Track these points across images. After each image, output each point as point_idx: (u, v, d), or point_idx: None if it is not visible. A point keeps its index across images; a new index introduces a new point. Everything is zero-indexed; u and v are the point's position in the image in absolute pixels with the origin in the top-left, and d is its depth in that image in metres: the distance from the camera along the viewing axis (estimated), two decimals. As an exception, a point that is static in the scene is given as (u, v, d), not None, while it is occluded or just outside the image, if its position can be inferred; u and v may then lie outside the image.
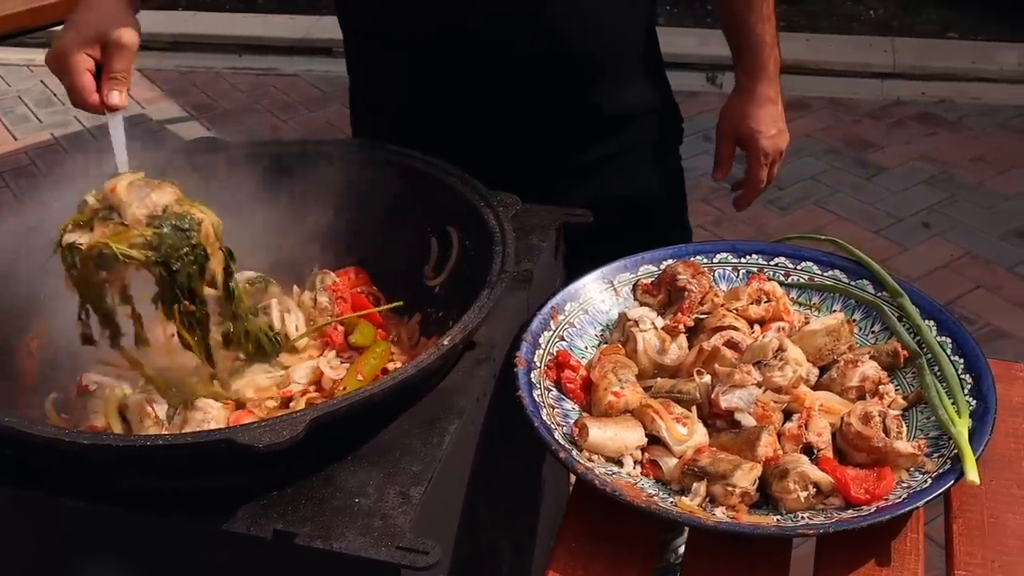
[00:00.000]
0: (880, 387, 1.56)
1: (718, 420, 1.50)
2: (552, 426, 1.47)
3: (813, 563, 1.39)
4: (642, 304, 1.72)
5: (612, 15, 1.97)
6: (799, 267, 1.78)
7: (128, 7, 1.67)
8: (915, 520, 1.42)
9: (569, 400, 1.56)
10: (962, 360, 1.57)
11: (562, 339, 1.65)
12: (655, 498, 1.39)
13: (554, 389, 1.56)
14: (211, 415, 1.50)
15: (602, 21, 1.95)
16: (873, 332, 1.69)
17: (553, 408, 1.52)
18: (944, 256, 4.30)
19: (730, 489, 1.38)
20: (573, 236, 1.88)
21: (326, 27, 6.05)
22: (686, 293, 1.66)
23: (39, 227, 1.54)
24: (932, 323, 1.64)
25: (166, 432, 1.48)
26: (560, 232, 1.83)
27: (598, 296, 1.73)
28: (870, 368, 1.56)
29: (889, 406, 1.52)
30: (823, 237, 1.88)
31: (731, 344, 1.57)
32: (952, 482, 1.38)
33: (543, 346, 1.61)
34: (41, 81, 6.03)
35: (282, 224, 1.74)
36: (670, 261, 1.76)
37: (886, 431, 1.44)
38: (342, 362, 1.62)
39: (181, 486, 1.34)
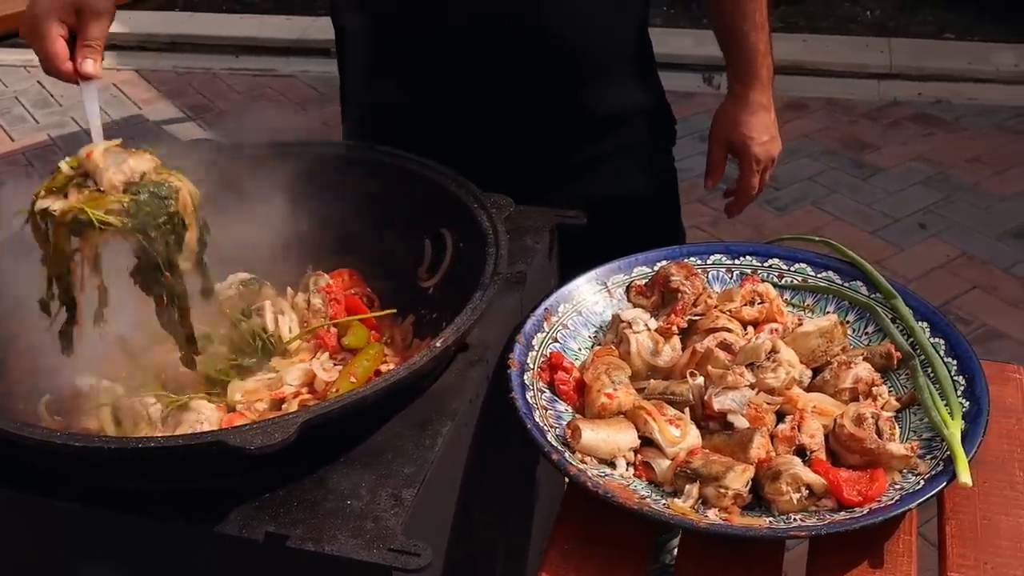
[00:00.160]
0: (873, 389, 1.56)
1: (711, 422, 1.50)
2: (545, 428, 1.47)
3: (806, 565, 1.39)
4: (635, 305, 1.72)
5: (603, 17, 1.97)
6: (793, 268, 1.78)
7: None
8: (908, 522, 1.42)
9: (562, 402, 1.56)
10: (955, 362, 1.57)
11: (555, 341, 1.65)
12: (648, 500, 1.39)
13: (547, 391, 1.56)
14: (204, 416, 1.50)
15: (593, 23, 1.95)
16: (867, 333, 1.69)
17: (546, 410, 1.52)
18: (940, 257, 4.30)
19: (723, 491, 1.38)
20: (567, 237, 1.88)
21: (323, 28, 6.03)
22: (679, 295, 1.66)
23: (28, 231, 1.53)
24: (926, 324, 1.64)
25: (159, 434, 1.48)
26: (554, 234, 1.83)
27: (592, 297, 1.73)
28: (863, 370, 1.56)
29: (882, 408, 1.52)
30: (817, 238, 1.88)
31: (724, 346, 1.57)
32: (945, 484, 1.38)
33: (536, 348, 1.61)
34: (38, 82, 6.03)
35: (276, 225, 1.74)
36: (664, 262, 1.75)
37: (879, 433, 1.44)
38: (335, 364, 1.62)
39: (173, 488, 1.33)
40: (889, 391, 1.57)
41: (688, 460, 1.43)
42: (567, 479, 1.41)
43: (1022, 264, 4.24)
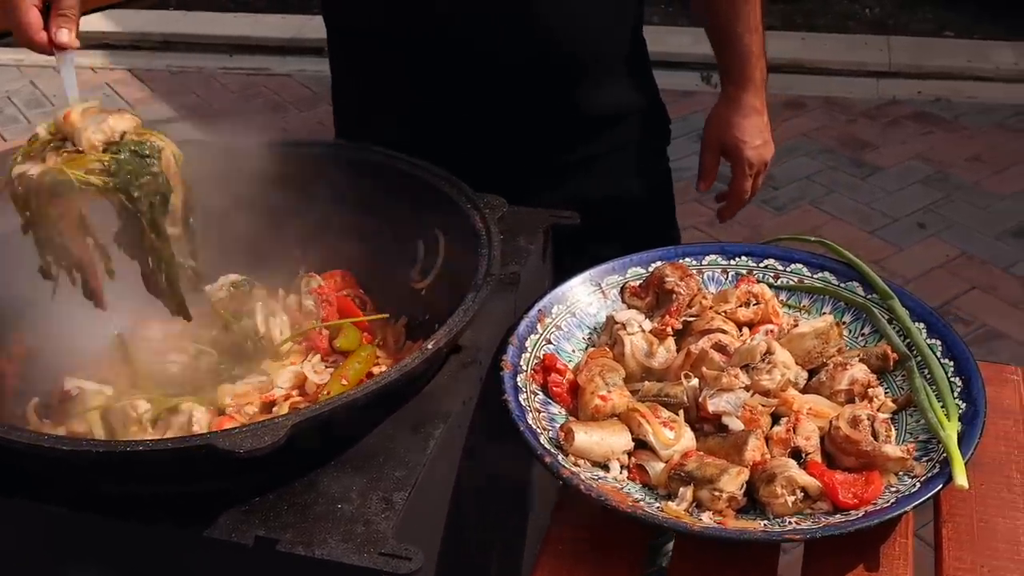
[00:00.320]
0: (869, 390, 1.54)
1: (706, 424, 1.49)
2: (538, 430, 1.45)
3: (801, 568, 1.38)
4: (630, 307, 1.71)
5: (597, 16, 1.96)
6: (789, 269, 1.77)
7: None
8: (904, 525, 1.41)
9: (556, 404, 1.55)
10: (952, 363, 1.56)
11: (549, 342, 1.64)
12: (641, 503, 1.38)
13: (540, 393, 1.55)
14: (195, 419, 1.49)
15: (587, 22, 1.94)
16: (863, 335, 1.68)
17: (539, 412, 1.51)
18: (940, 256, 4.29)
19: (717, 494, 1.37)
20: (561, 238, 1.87)
21: (317, 27, 5.98)
22: (674, 296, 1.65)
23: (18, 234, 1.52)
24: (922, 325, 1.63)
25: (149, 436, 1.47)
26: (548, 234, 1.82)
27: (586, 299, 1.72)
28: (859, 371, 1.55)
29: (878, 409, 1.50)
30: (813, 239, 1.87)
31: (719, 347, 1.56)
32: (941, 486, 1.37)
33: (530, 349, 1.60)
34: (31, 82, 6.02)
35: (268, 226, 1.73)
36: (658, 263, 1.74)
37: (875, 435, 1.43)
38: (327, 366, 1.61)
39: (162, 491, 1.33)
40: (885, 393, 1.56)
41: (682, 463, 1.41)
42: (560, 482, 1.40)
43: (1022, 264, 4.23)
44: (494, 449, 1.58)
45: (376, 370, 1.60)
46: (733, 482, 1.37)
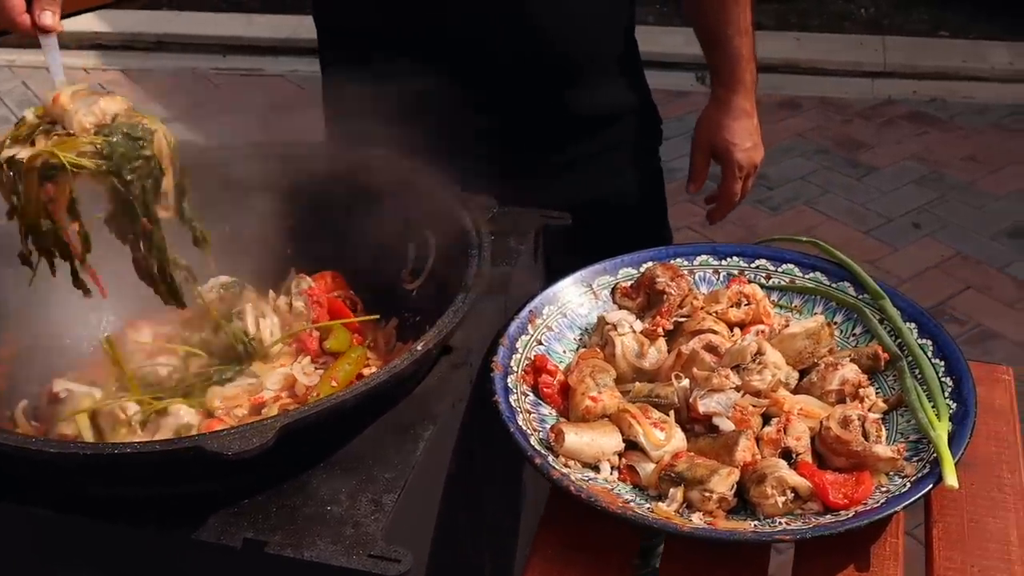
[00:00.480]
0: (860, 390, 1.54)
1: (696, 425, 1.48)
2: (528, 431, 1.45)
3: (791, 569, 1.38)
4: (621, 307, 1.71)
5: (590, 16, 1.96)
6: (780, 269, 1.77)
7: None
8: (895, 525, 1.41)
9: (546, 405, 1.55)
10: (943, 363, 1.56)
11: (540, 343, 1.63)
12: (631, 504, 1.38)
13: (531, 394, 1.55)
14: (184, 421, 1.49)
15: (580, 22, 1.94)
16: (854, 335, 1.68)
17: (530, 413, 1.50)
18: (935, 256, 4.29)
19: (707, 494, 1.36)
20: (553, 238, 1.86)
21: (311, 27, 5.97)
22: (665, 296, 1.65)
23: (7, 234, 1.51)
24: (913, 325, 1.63)
25: (139, 439, 1.47)
26: (539, 235, 1.82)
27: (577, 299, 1.72)
28: (850, 371, 1.55)
29: (869, 409, 1.50)
30: (804, 239, 1.87)
31: (710, 348, 1.56)
32: (931, 486, 1.36)
33: (520, 350, 1.60)
34: (23, 82, 6.00)
35: (258, 228, 1.72)
36: (650, 263, 1.74)
37: (865, 435, 1.42)
38: (316, 368, 1.61)
39: (151, 494, 1.32)
40: (877, 393, 1.56)
41: (673, 463, 1.41)
42: (551, 483, 1.40)
43: (1017, 264, 4.23)
44: (485, 450, 1.57)
45: (366, 371, 1.60)
46: (723, 483, 1.37)
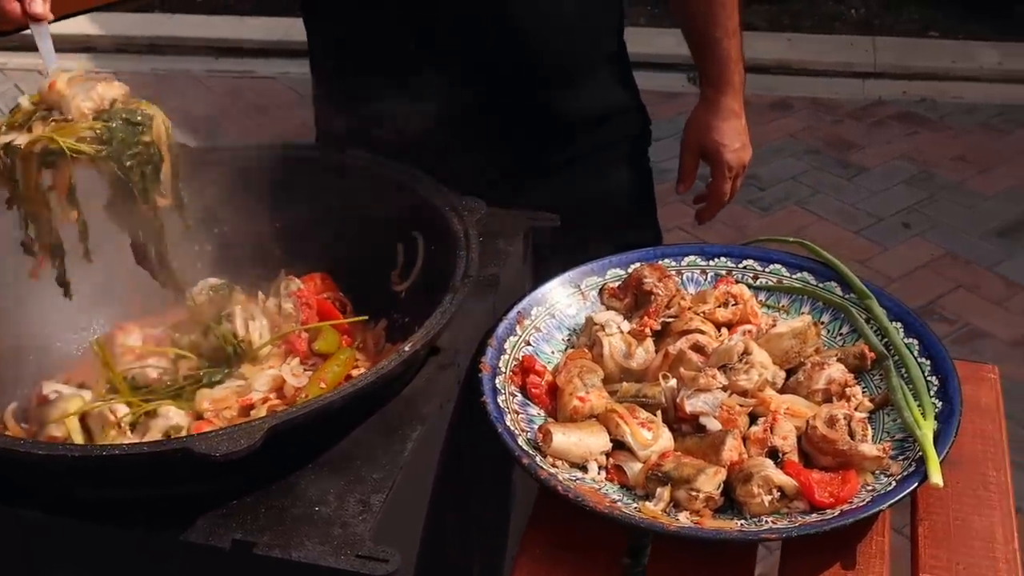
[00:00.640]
0: (847, 390, 1.55)
1: (684, 424, 1.49)
2: (516, 432, 1.46)
3: (778, 567, 1.39)
4: (609, 308, 1.71)
5: (579, 18, 1.96)
6: (767, 269, 1.78)
7: None
8: (880, 523, 1.42)
9: (534, 405, 1.55)
10: (929, 362, 1.57)
11: (528, 344, 1.64)
12: (619, 504, 1.38)
13: (519, 394, 1.56)
14: (173, 423, 1.49)
15: (568, 24, 1.94)
16: (841, 334, 1.69)
17: (518, 414, 1.51)
18: (924, 256, 4.31)
19: (694, 494, 1.37)
20: (541, 239, 1.87)
21: (302, 30, 5.99)
22: (652, 297, 1.65)
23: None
24: (899, 325, 1.64)
25: (128, 440, 1.47)
26: (528, 236, 1.82)
27: (565, 300, 1.73)
28: (836, 371, 1.56)
29: (856, 409, 1.51)
30: (791, 239, 1.88)
31: (697, 348, 1.57)
32: (916, 485, 1.37)
33: (508, 351, 1.60)
34: (15, 85, 5.98)
35: (247, 230, 1.73)
36: (637, 264, 1.75)
37: (851, 434, 1.43)
38: (305, 370, 1.61)
39: (140, 496, 1.32)
40: (863, 392, 1.57)
41: (660, 463, 1.42)
42: (538, 483, 1.40)
43: (1006, 263, 4.25)
44: (474, 451, 1.58)
45: (355, 373, 1.60)
46: (710, 482, 1.38)
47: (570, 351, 1.65)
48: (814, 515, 1.36)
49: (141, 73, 6.15)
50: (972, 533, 1.42)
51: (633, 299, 1.69)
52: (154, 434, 1.47)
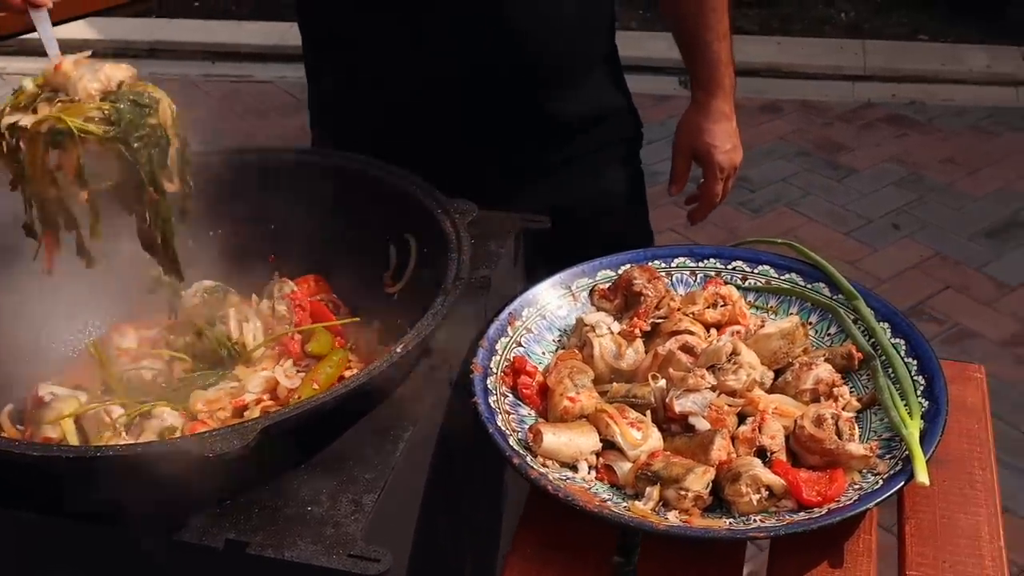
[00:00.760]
0: (834, 389, 1.56)
1: (673, 424, 1.50)
2: (507, 432, 1.47)
3: (766, 566, 1.40)
4: (599, 309, 1.73)
5: (570, 20, 1.98)
6: (756, 271, 1.79)
7: None
8: (868, 521, 1.43)
9: (525, 406, 1.56)
10: (915, 362, 1.58)
11: (519, 345, 1.65)
12: (608, 503, 1.40)
13: (510, 395, 1.57)
14: (168, 424, 1.50)
15: (560, 26, 1.96)
16: (829, 334, 1.70)
17: (509, 414, 1.52)
18: (914, 257, 4.33)
19: (683, 493, 1.38)
20: (533, 241, 1.88)
21: (299, 34, 6.00)
22: (642, 298, 1.67)
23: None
24: (886, 325, 1.65)
25: (123, 442, 1.48)
26: (519, 239, 1.84)
27: (556, 302, 1.74)
28: (824, 371, 1.57)
29: (843, 408, 1.52)
30: (780, 241, 1.89)
31: (686, 348, 1.58)
32: (903, 483, 1.39)
33: (500, 352, 1.61)
34: (13, 90, 5.99)
35: (241, 232, 1.74)
36: (627, 266, 1.76)
37: (839, 433, 1.45)
38: (299, 371, 1.62)
39: (133, 496, 1.33)
40: (851, 392, 1.58)
41: (649, 463, 1.43)
42: (529, 483, 1.42)
43: (995, 264, 4.28)
44: (466, 451, 1.59)
45: (348, 374, 1.61)
46: (699, 481, 1.39)
47: (561, 352, 1.66)
48: (802, 514, 1.37)
49: (139, 77, 6.15)
50: (958, 531, 1.44)
51: (623, 300, 1.70)
52: (149, 435, 1.48)
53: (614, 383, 1.59)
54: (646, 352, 1.63)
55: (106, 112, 1.36)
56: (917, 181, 4.88)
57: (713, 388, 1.51)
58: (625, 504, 1.40)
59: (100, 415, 1.51)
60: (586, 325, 1.65)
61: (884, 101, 5.62)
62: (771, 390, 1.58)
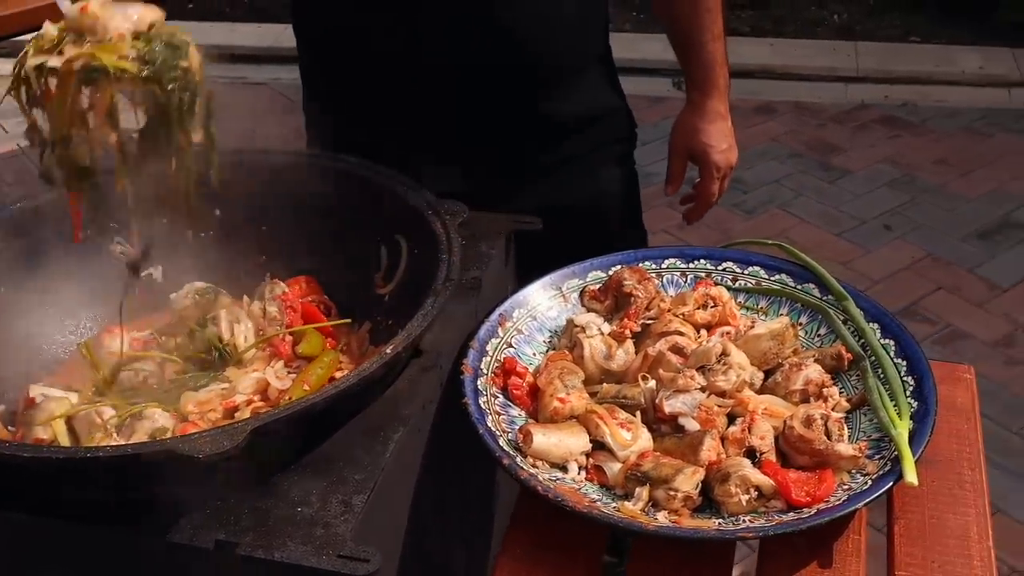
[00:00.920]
0: (824, 390, 1.57)
1: (663, 425, 1.51)
2: (497, 433, 1.47)
3: (755, 566, 1.40)
4: (589, 310, 1.73)
5: (565, 20, 1.98)
6: (747, 272, 1.80)
7: None
8: (857, 521, 1.44)
9: (515, 407, 1.57)
10: (905, 362, 1.59)
11: (510, 346, 1.66)
12: (598, 503, 1.40)
13: (500, 396, 1.57)
14: (159, 425, 1.50)
15: (555, 25, 1.96)
16: (819, 335, 1.71)
17: (499, 415, 1.52)
18: (906, 258, 4.34)
19: (672, 493, 1.39)
20: (527, 241, 1.88)
21: (293, 35, 6.00)
22: (632, 299, 1.67)
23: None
24: (876, 326, 1.66)
25: (114, 443, 1.48)
26: (510, 240, 1.84)
27: (546, 303, 1.74)
28: (813, 371, 1.57)
29: (833, 409, 1.53)
30: (770, 242, 1.90)
31: (676, 349, 1.59)
32: (892, 483, 1.39)
33: (490, 353, 1.62)
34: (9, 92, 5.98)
35: (232, 234, 1.74)
36: (618, 267, 1.76)
37: (828, 434, 1.45)
38: (289, 372, 1.62)
39: (123, 497, 1.33)
40: (840, 392, 1.58)
41: (639, 463, 1.44)
42: (519, 483, 1.42)
43: (987, 265, 4.29)
44: (457, 452, 1.59)
45: (339, 375, 1.61)
46: (688, 482, 1.39)
47: (551, 353, 1.66)
48: (791, 514, 1.38)
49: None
50: (947, 531, 1.44)
51: (613, 301, 1.71)
52: (140, 436, 1.48)
53: (604, 384, 1.59)
54: (636, 353, 1.63)
55: (140, 51, 1.33)
56: (910, 182, 4.90)
57: (703, 389, 1.51)
58: (615, 504, 1.41)
59: (91, 416, 1.51)
60: (576, 326, 1.66)
61: (877, 102, 5.63)
62: (761, 391, 1.59)
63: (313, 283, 1.81)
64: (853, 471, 1.44)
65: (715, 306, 1.69)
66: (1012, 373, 3.64)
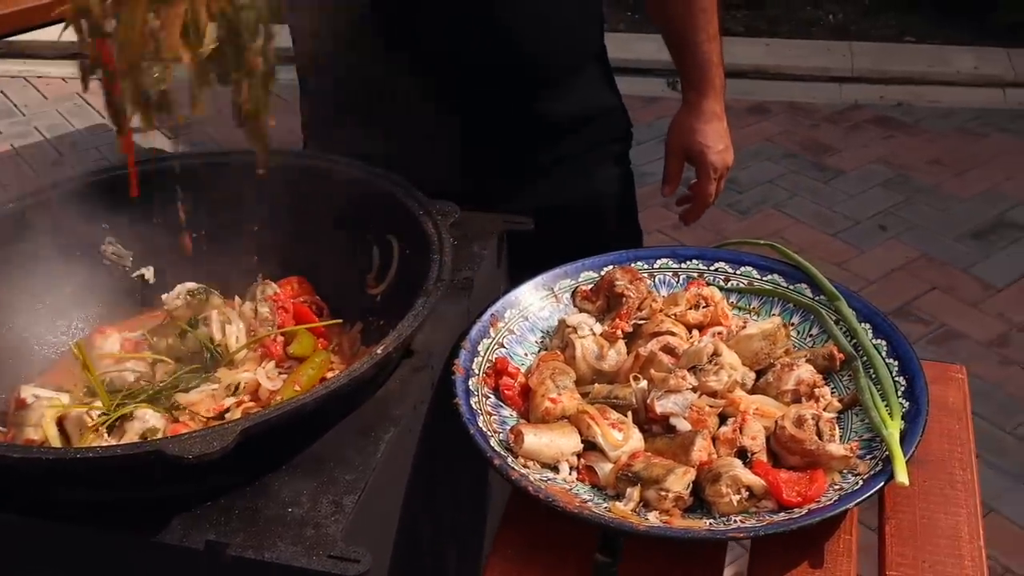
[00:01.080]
0: (816, 390, 1.57)
1: (654, 425, 1.51)
2: (488, 433, 1.47)
3: (747, 567, 1.40)
4: (581, 310, 1.73)
5: (561, 20, 1.99)
6: (739, 272, 1.80)
7: None
8: (848, 522, 1.44)
9: (507, 407, 1.57)
10: (896, 363, 1.59)
11: (502, 346, 1.66)
12: (589, 504, 1.40)
13: (492, 396, 1.57)
14: (150, 425, 1.50)
15: (550, 25, 1.96)
16: (811, 336, 1.71)
17: (490, 415, 1.52)
18: (900, 258, 4.35)
19: (663, 493, 1.39)
20: (523, 241, 1.88)
21: (289, 35, 5.99)
22: (624, 299, 1.67)
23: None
24: (868, 326, 1.66)
25: (105, 443, 1.48)
26: (503, 240, 1.84)
27: (538, 303, 1.74)
28: (805, 371, 1.58)
29: (824, 409, 1.53)
30: (763, 242, 1.90)
31: (668, 349, 1.59)
32: (883, 484, 1.39)
33: (482, 353, 1.62)
34: (1, 92, 5.98)
35: (224, 234, 1.74)
36: (610, 267, 1.77)
37: (819, 434, 1.45)
38: (281, 373, 1.62)
39: (115, 498, 1.33)
40: (832, 392, 1.59)
41: (630, 463, 1.44)
42: (510, 484, 1.42)
43: (981, 265, 4.30)
44: (448, 453, 1.59)
45: (330, 375, 1.61)
46: (679, 482, 1.39)
47: (543, 353, 1.66)
48: (782, 514, 1.38)
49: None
50: (938, 531, 1.44)
51: (605, 301, 1.71)
52: (131, 436, 1.48)
53: (596, 384, 1.59)
54: (628, 353, 1.63)
55: None
56: (904, 182, 4.90)
57: (694, 389, 1.52)
58: (606, 505, 1.41)
59: (82, 417, 1.51)
60: (568, 326, 1.66)
61: (871, 103, 5.64)
62: (752, 391, 1.59)
63: (305, 283, 1.81)
64: (844, 471, 1.44)
65: (707, 306, 1.69)
66: (1006, 373, 3.64)
